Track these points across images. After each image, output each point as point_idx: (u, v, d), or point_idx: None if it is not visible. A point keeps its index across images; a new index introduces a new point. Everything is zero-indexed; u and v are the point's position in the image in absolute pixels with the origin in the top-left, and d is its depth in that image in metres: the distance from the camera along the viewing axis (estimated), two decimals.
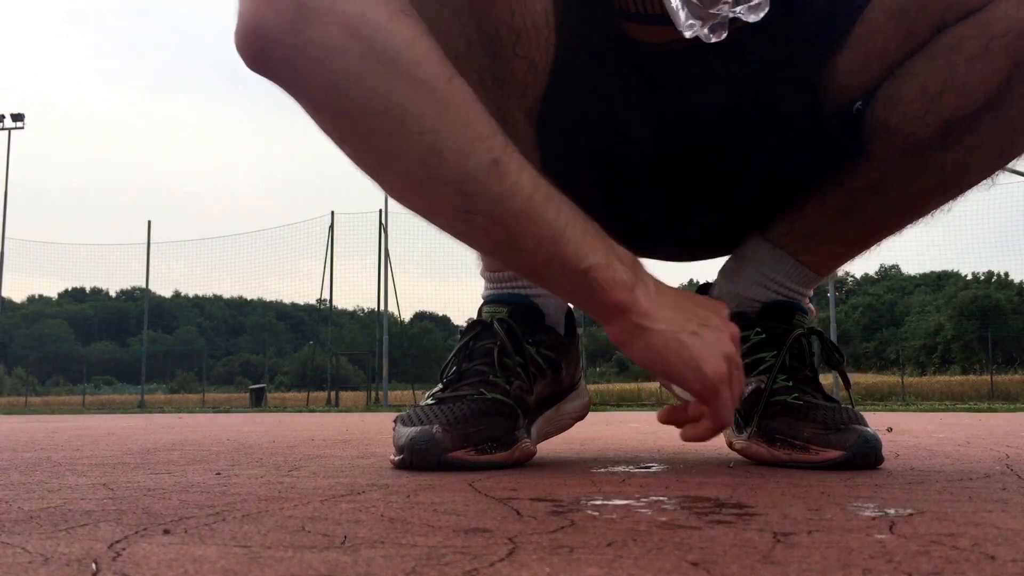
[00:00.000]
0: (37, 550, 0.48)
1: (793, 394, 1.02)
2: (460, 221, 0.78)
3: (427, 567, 0.42)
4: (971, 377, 20.09)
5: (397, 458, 1.00)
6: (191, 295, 42.83)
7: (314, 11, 0.70)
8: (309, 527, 0.56)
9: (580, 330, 1.21)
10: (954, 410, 7.36)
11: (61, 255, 20.65)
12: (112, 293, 45.83)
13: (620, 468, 1.03)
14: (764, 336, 1.08)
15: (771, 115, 1.03)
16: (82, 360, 25.98)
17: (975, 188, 1.00)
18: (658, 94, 1.02)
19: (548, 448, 1.36)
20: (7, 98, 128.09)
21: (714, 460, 1.15)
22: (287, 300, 32.20)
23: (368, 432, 2.31)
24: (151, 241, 17.83)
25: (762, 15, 0.80)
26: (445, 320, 32.56)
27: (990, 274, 32.11)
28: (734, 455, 1.13)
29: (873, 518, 0.59)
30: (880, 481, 0.85)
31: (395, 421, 1.05)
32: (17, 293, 44.57)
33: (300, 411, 9.90)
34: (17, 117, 18.49)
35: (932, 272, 34.08)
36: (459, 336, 1.14)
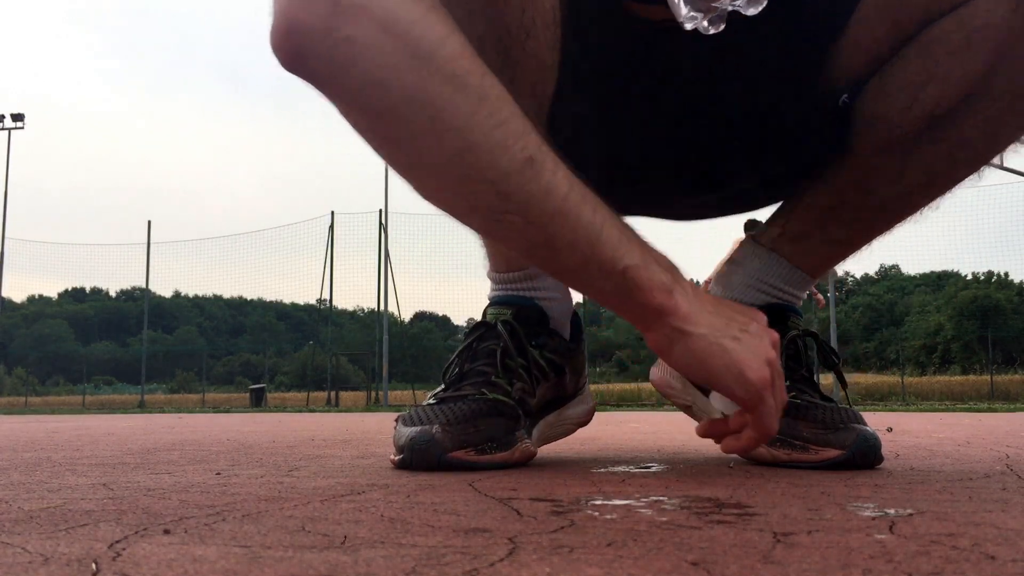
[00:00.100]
0: (37, 550, 0.48)
1: (791, 394, 1.02)
2: (495, 221, 0.78)
3: (427, 567, 0.42)
4: (971, 377, 20.10)
5: (397, 458, 1.00)
6: (191, 295, 42.84)
7: (349, 8, 0.70)
8: (309, 527, 0.56)
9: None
10: (954, 410, 7.36)
11: (61, 255, 20.66)
12: (112, 293, 45.87)
13: (620, 468, 1.03)
14: None
15: (766, 98, 1.03)
16: (82, 360, 25.96)
17: (961, 184, 1.01)
18: (669, 75, 1.01)
19: (548, 448, 1.35)
20: (7, 98, 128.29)
21: (714, 460, 1.15)
22: (287, 300, 32.17)
23: (368, 432, 2.31)
24: (151, 241, 17.84)
25: (760, 8, 0.80)
26: (445, 320, 32.60)
27: (990, 274, 32.14)
28: (734, 455, 1.13)
29: (873, 518, 0.59)
30: (880, 481, 0.85)
31: (396, 421, 1.05)
32: (17, 293, 44.61)
33: (300, 411, 9.90)
34: (17, 117, 18.48)
35: (932, 272, 34.12)
36: (461, 336, 1.15)
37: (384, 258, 16.00)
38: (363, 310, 29.15)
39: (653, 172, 1.10)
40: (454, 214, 0.81)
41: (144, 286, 18.76)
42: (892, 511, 0.62)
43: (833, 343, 14.19)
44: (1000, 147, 0.97)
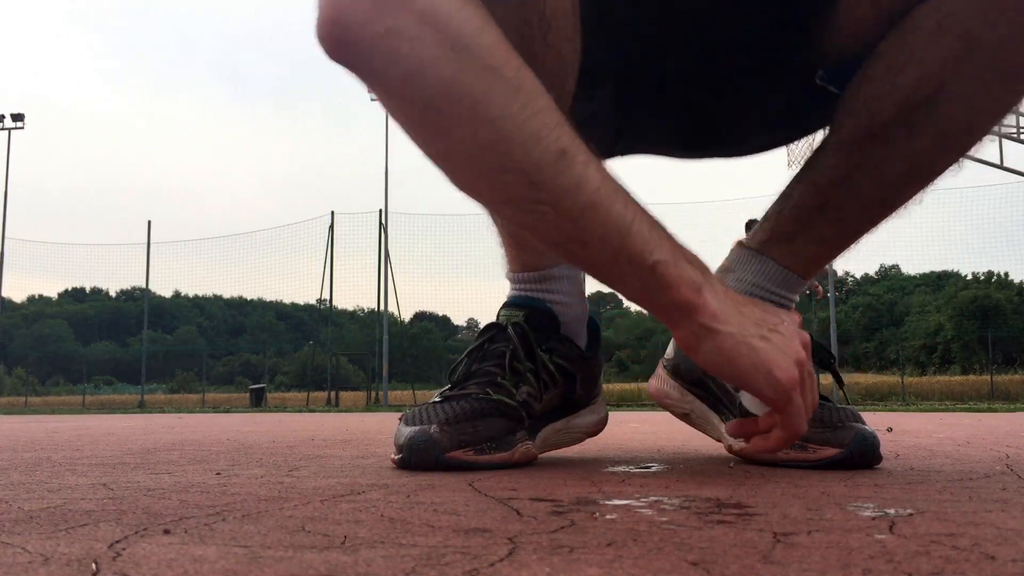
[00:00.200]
0: (37, 550, 0.48)
1: None
2: (527, 212, 0.78)
3: (427, 567, 0.43)
4: (971, 377, 20.10)
5: (397, 457, 1.00)
6: (191, 295, 42.83)
7: (392, 1, 0.72)
8: (309, 527, 0.56)
9: None
10: (954, 410, 7.36)
11: (61, 255, 20.69)
12: (112, 293, 45.83)
13: (620, 468, 1.03)
14: None
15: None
16: (82, 360, 25.97)
17: (942, 175, 1.01)
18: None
19: None
20: (7, 98, 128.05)
21: (714, 460, 1.15)
22: (287, 300, 32.14)
23: (368, 432, 2.31)
24: (151, 241, 17.88)
25: None
26: (445, 320, 32.56)
27: (990, 274, 32.15)
28: (734, 455, 1.13)
29: (873, 518, 0.59)
30: (880, 481, 0.85)
31: (400, 420, 1.05)
32: (17, 293, 44.55)
33: (300, 411, 9.90)
34: (17, 117, 18.50)
35: (932, 272, 34.11)
36: (461, 336, 1.15)
37: (384, 258, 16.02)
38: (363, 310, 29.18)
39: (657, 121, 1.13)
40: (487, 204, 0.82)
41: (144, 286, 18.80)
42: (892, 511, 0.63)
43: (833, 343, 14.20)
44: (977, 136, 0.97)
